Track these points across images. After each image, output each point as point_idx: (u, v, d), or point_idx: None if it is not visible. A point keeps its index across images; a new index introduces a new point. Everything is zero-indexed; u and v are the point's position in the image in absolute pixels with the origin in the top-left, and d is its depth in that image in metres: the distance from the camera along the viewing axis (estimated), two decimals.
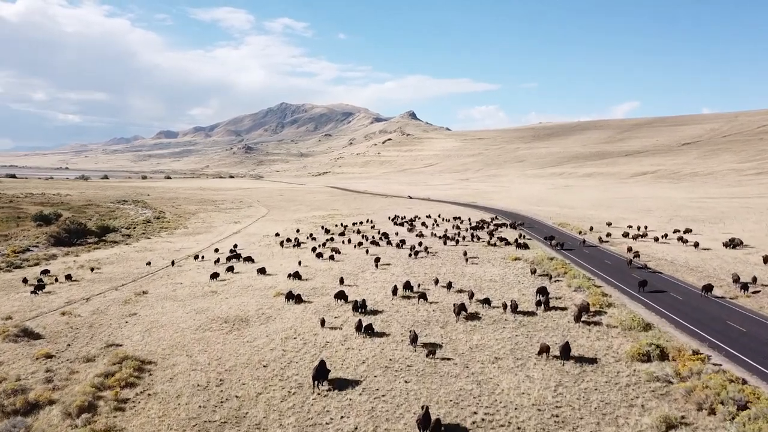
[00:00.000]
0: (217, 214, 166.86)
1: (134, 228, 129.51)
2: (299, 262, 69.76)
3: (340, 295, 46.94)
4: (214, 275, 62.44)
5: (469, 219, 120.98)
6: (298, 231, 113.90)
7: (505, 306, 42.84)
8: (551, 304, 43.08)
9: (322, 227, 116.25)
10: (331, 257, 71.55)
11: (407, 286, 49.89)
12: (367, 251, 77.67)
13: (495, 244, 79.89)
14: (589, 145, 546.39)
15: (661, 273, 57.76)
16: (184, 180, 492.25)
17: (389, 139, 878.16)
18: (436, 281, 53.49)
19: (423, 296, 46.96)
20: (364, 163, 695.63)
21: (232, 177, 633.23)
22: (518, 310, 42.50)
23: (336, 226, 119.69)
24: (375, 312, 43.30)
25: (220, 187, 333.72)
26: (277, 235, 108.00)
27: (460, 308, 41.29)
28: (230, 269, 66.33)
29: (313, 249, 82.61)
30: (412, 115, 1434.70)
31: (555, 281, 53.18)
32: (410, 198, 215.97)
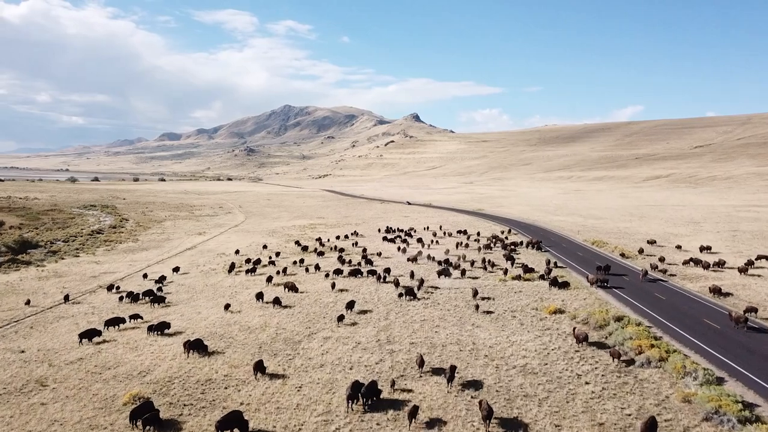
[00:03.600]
0: (185, 222, 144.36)
1: (73, 241, 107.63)
2: (227, 306, 46.82)
3: (232, 422, 23.45)
4: (87, 334, 39.86)
5: (478, 233, 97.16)
6: (265, 247, 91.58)
7: None
8: None
9: (296, 242, 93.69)
10: (277, 301, 48.17)
11: (371, 391, 26.60)
12: (333, 285, 54.57)
13: (519, 277, 56.31)
14: (597, 149, 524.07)
15: None
16: (176, 183, 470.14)
17: (392, 141, 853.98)
18: (421, 363, 30.44)
19: (413, 413, 24.10)
20: (365, 165, 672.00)
21: (230, 179, 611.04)
22: None
23: (316, 240, 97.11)
24: None
25: (207, 190, 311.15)
26: (237, 252, 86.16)
27: None
28: (117, 322, 43.33)
29: (269, 278, 60.27)
30: (416, 118, 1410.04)
31: (639, 367, 29.98)
32: (409, 204, 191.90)
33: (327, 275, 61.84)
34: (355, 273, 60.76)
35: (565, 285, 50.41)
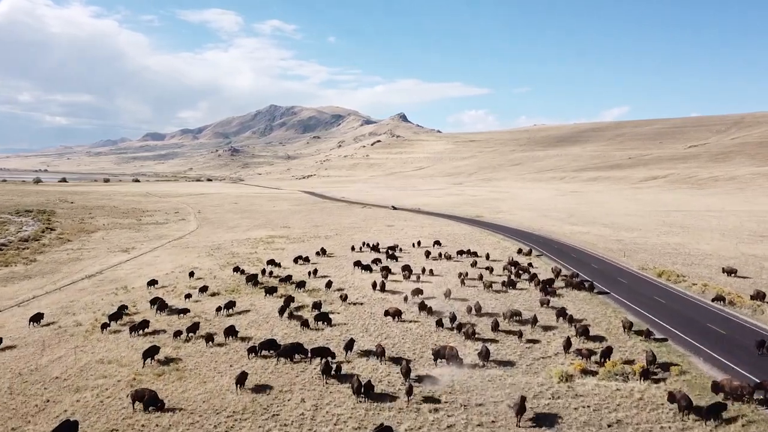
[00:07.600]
0: (121, 232, 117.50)
1: None
2: None
3: None
4: None
5: (487, 256, 70.47)
6: (191, 275, 65.10)
7: None
8: None
9: (236, 269, 66.83)
10: None
11: None
12: (241, 381, 28.65)
13: (590, 363, 30.28)
14: (589, 149, 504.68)
15: None
16: (149, 184, 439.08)
17: (378, 141, 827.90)
18: None
19: None
20: (351, 165, 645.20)
21: (210, 180, 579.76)
22: None
23: (267, 263, 70.45)
24: None
25: (172, 192, 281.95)
26: (152, 284, 60.20)
27: None
28: None
29: (149, 352, 34.88)
30: (403, 118, 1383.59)
31: None
32: (394, 209, 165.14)
33: (252, 350, 35.40)
34: (291, 352, 34.06)
35: (718, 408, 23.85)
